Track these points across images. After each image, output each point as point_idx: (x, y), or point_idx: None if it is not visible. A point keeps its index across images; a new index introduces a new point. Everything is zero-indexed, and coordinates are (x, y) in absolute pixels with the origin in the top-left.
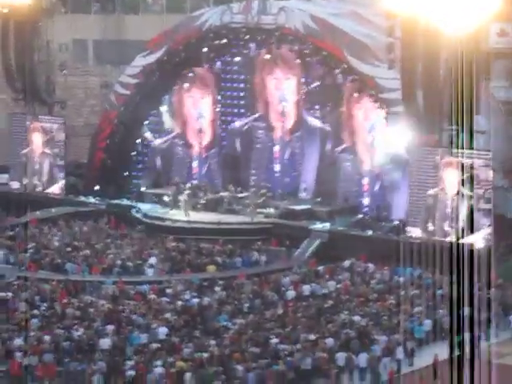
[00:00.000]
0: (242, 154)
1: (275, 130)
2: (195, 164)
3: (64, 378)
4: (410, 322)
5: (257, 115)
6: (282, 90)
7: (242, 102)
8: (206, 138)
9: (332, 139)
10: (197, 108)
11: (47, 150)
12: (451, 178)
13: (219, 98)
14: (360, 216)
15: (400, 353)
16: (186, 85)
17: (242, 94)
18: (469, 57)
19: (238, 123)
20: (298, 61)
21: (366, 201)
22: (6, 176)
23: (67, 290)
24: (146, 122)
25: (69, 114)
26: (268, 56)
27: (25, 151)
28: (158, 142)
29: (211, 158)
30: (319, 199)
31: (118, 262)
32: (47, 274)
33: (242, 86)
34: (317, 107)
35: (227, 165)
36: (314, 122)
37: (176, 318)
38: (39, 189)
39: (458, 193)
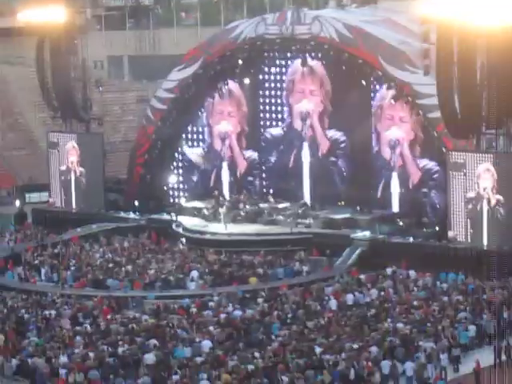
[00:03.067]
0: (280, 166)
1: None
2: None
3: None
4: (454, 327)
5: (287, 123)
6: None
7: (278, 114)
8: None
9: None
10: (227, 122)
11: (86, 167)
12: (488, 183)
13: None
14: (400, 223)
15: (445, 359)
16: (218, 99)
17: (278, 106)
18: (505, 59)
19: (273, 131)
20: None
21: (406, 208)
22: (45, 194)
23: (110, 306)
24: (184, 136)
25: (106, 130)
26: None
27: (64, 169)
28: (195, 155)
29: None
30: (359, 208)
31: (160, 276)
32: (90, 291)
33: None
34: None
35: (266, 177)
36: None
37: (219, 331)
38: (79, 206)
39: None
